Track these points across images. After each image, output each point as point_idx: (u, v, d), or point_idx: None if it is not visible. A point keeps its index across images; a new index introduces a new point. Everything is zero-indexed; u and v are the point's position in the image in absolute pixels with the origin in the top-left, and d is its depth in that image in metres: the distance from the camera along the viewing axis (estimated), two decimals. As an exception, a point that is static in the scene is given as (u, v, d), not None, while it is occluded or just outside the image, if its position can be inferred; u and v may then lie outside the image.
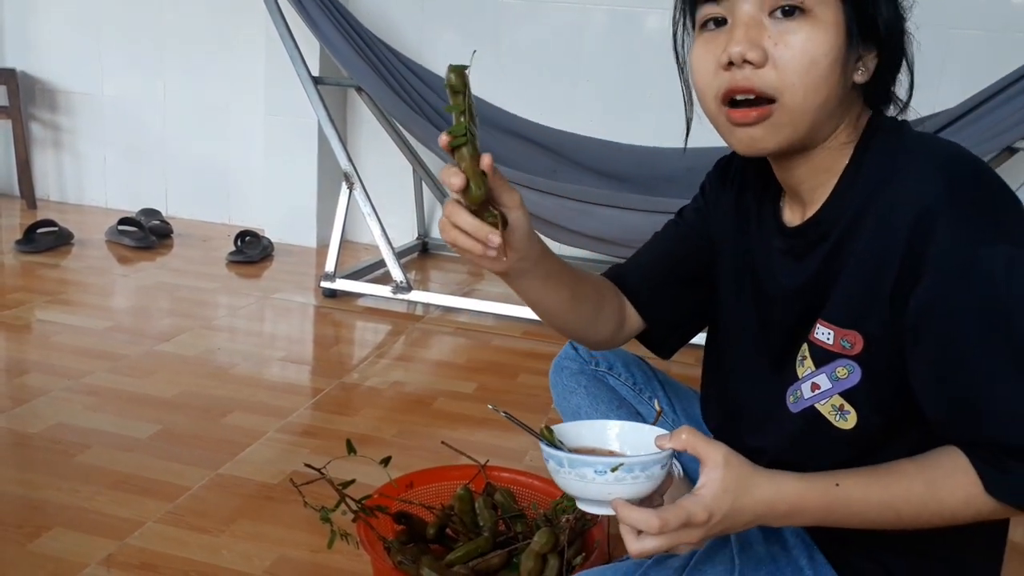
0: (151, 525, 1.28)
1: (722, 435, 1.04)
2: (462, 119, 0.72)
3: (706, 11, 0.79)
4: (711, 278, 1.01)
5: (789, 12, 0.74)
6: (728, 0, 0.77)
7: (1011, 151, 2.28)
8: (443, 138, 0.74)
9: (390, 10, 3.19)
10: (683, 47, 0.85)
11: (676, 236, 1.05)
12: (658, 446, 0.75)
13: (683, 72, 0.86)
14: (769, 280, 0.91)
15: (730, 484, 0.72)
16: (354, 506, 1.06)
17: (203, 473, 1.45)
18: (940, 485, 0.74)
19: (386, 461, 1.11)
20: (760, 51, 0.74)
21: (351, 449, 1.08)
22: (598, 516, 1.05)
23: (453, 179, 0.74)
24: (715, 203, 1.02)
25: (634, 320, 1.04)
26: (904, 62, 0.81)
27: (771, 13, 0.75)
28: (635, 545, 0.71)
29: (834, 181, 0.83)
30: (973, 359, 0.72)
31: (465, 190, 0.73)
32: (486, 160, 0.74)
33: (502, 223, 0.76)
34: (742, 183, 0.97)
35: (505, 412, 0.83)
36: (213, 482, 1.43)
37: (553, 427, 0.81)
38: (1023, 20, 2.66)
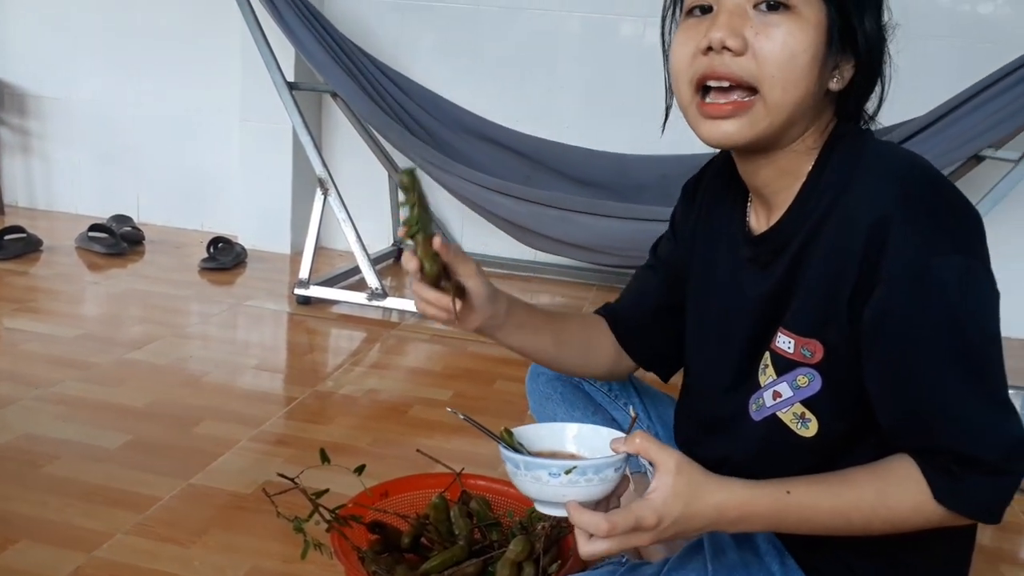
0: (121, 537, 1.26)
1: (691, 443, 1.04)
2: (414, 211, 0.83)
3: None
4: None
5: (774, 6, 0.75)
6: None
7: (978, 159, 2.32)
8: (401, 229, 0.85)
9: (366, 16, 3.18)
10: (670, 34, 0.86)
11: (653, 276, 1.08)
12: (613, 450, 0.76)
13: (667, 60, 0.86)
14: (735, 290, 0.92)
15: (681, 490, 0.73)
16: (328, 516, 1.06)
17: (174, 483, 1.43)
18: (890, 493, 0.75)
19: (360, 470, 1.10)
20: (741, 39, 0.75)
21: (325, 458, 1.07)
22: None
23: (409, 264, 0.85)
24: (684, 229, 1.04)
25: (628, 357, 1.09)
26: (880, 80, 0.83)
27: (756, 5, 0.76)
28: (586, 547, 0.73)
29: (798, 186, 0.84)
30: (925, 369, 0.73)
31: (421, 269, 0.85)
32: (436, 242, 0.83)
33: (457, 292, 0.86)
34: (712, 199, 0.98)
35: (464, 415, 0.87)
36: (185, 492, 1.41)
37: (513, 430, 0.83)
38: (991, 30, 2.71)
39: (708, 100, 0.78)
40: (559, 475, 0.73)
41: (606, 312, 1.11)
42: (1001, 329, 0.76)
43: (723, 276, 0.94)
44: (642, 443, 0.74)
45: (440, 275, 0.86)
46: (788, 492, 0.76)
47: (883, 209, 0.73)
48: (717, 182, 0.98)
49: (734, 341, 0.91)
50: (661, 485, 0.73)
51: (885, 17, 0.80)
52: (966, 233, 0.74)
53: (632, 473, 0.82)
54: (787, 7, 0.75)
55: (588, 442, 0.83)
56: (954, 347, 0.72)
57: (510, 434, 0.82)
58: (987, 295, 0.73)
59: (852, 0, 0.76)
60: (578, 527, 0.73)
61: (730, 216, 0.94)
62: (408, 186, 0.83)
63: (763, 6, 0.75)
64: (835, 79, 0.79)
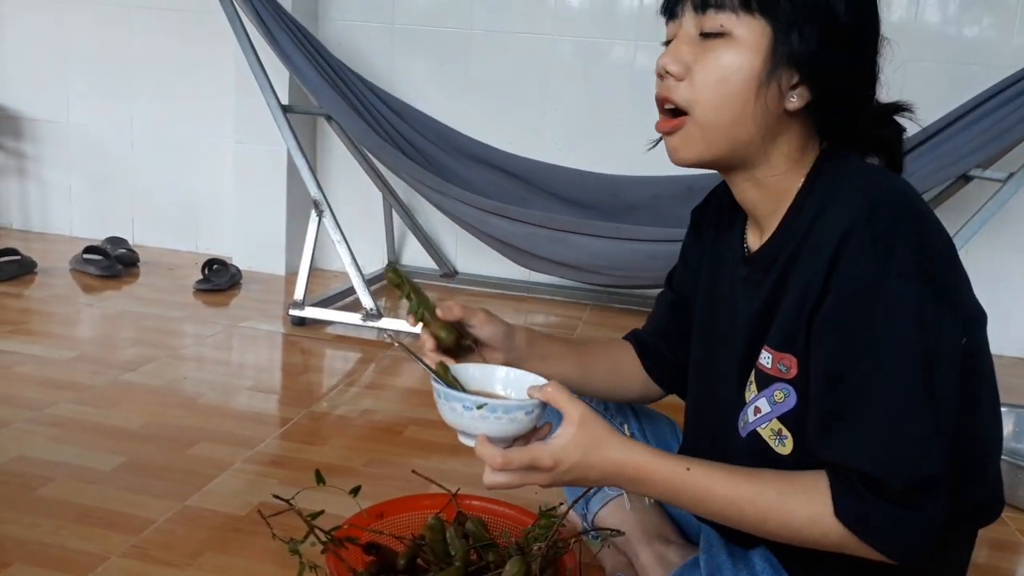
0: (115, 560, 1.26)
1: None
2: (412, 299, 0.94)
3: (668, 28, 0.86)
4: None
5: (710, 35, 0.80)
6: (676, 21, 0.84)
7: (966, 179, 2.35)
8: (410, 319, 0.96)
9: (360, 39, 3.21)
10: None
11: (667, 303, 1.14)
12: (528, 395, 0.83)
13: None
14: (732, 310, 0.94)
15: (581, 440, 0.79)
16: (323, 537, 1.06)
17: (169, 505, 1.43)
18: (791, 497, 0.76)
19: (356, 491, 1.10)
20: (681, 66, 0.81)
21: (320, 479, 1.07)
22: (570, 543, 1.07)
23: (427, 343, 0.95)
24: (693, 256, 1.08)
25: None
26: (863, 97, 0.84)
27: (700, 34, 0.81)
28: (486, 478, 0.81)
29: (785, 208, 0.86)
30: (854, 383, 0.74)
31: (439, 342, 0.95)
32: (440, 312, 0.95)
33: (474, 342, 0.99)
34: (718, 224, 1.01)
35: (399, 343, 1.02)
36: (179, 514, 1.40)
37: (451, 366, 0.92)
38: (976, 53, 2.75)
39: (659, 119, 0.86)
40: (472, 409, 0.81)
41: (632, 337, 1.17)
42: (958, 362, 0.75)
43: (723, 297, 0.97)
44: (552, 392, 0.81)
45: (456, 338, 0.96)
46: (688, 469, 0.79)
47: (848, 224, 0.75)
48: (721, 207, 1.01)
49: (731, 361, 0.93)
50: (563, 433, 0.79)
51: (858, 44, 0.81)
52: (927, 260, 0.74)
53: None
54: (724, 34, 0.79)
55: (514, 385, 0.91)
56: (888, 370, 0.73)
57: (446, 369, 0.90)
58: (937, 326, 0.73)
59: (788, 19, 0.78)
60: (480, 457, 0.80)
61: (732, 238, 0.97)
62: (396, 281, 0.94)
63: (706, 34, 0.81)
64: (791, 99, 0.81)
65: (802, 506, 0.75)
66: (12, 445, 1.61)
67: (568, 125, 3.13)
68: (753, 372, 0.87)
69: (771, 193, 0.86)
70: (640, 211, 2.68)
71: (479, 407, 0.80)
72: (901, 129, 0.89)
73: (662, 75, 0.83)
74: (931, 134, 2.28)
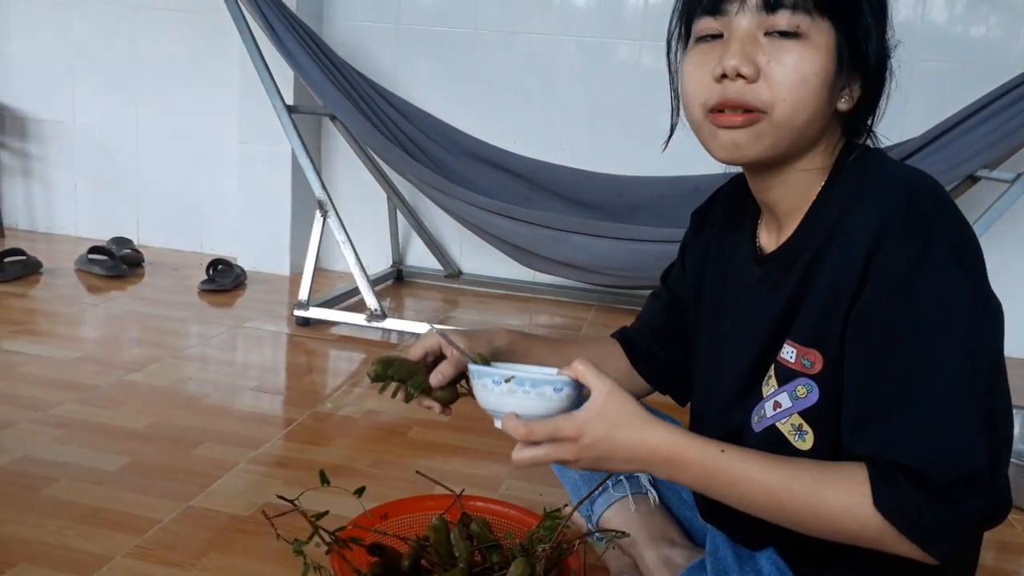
0: (119, 560, 1.26)
1: None
2: (407, 388, 1.01)
3: (703, 24, 0.82)
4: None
5: (785, 34, 0.78)
6: (725, 16, 0.80)
7: (973, 179, 2.34)
8: (428, 403, 1.04)
9: (365, 39, 3.21)
10: (677, 58, 0.89)
11: (662, 302, 1.14)
12: (559, 372, 0.82)
13: (673, 80, 0.90)
14: (746, 311, 0.93)
15: (608, 412, 0.76)
16: (328, 538, 1.05)
17: (173, 505, 1.43)
18: (828, 485, 0.73)
19: (360, 492, 1.10)
20: (754, 66, 0.78)
21: (324, 480, 1.07)
22: (575, 545, 1.07)
23: (435, 409, 1.06)
24: (692, 258, 1.07)
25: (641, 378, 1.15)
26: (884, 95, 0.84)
27: (767, 32, 0.78)
28: (514, 454, 0.79)
29: (808, 205, 0.85)
30: (895, 374, 0.73)
31: (444, 403, 1.04)
32: (434, 382, 1.01)
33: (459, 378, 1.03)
34: (723, 225, 1.00)
35: (441, 331, 1.02)
36: (184, 515, 1.40)
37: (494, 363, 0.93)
38: (983, 53, 2.74)
39: (722, 114, 0.81)
40: (500, 383, 0.80)
41: (620, 336, 1.17)
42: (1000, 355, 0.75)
43: (734, 298, 0.96)
44: (580, 367, 0.79)
45: (455, 390, 1.03)
46: (722, 451, 0.76)
47: (884, 222, 0.75)
48: (727, 208, 1.00)
49: (742, 360, 0.92)
50: (589, 405, 0.78)
51: (888, 35, 0.82)
52: (963, 253, 0.74)
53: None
54: (798, 34, 0.77)
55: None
56: (933, 360, 0.72)
57: (485, 360, 0.92)
58: (979, 319, 0.73)
59: (860, 25, 0.78)
60: (505, 432, 0.80)
61: (741, 239, 0.96)
62: (381, 374, 0.99)
63: (775, 33, 0.78)
64: (844, 99, 0.82)
65: (839, 495, 0.72)
66: (17, 445, 1.61)
67: (573, 125, 3.12)
68: (773, 367, 0.86)
69: (796, 191, 0.86)
70: (645, 212, 2.68)
71: (507, 380, 0.80)
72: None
73: (729, 76, 0.78)
74: (938, 134, 2.26)
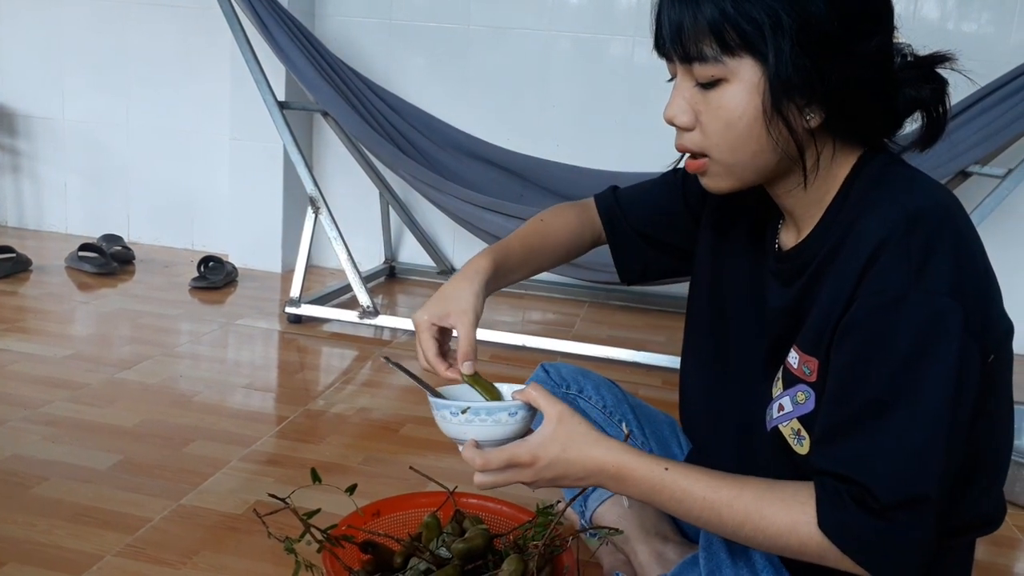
0: (110, 559, 1.25)
1: (705, 449, 1.05)
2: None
3: (668, 67, 0.85)
4: (683, 248, 1.11)
5: (707, 85, 0.79)
6: (672, 63, 0.83)
7: (964, 175, 2.34)
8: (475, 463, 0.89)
9: (357, 35, 3.19)
10: None
11: (669, 202, 1.13)
12: (512, 398, 0.87)
13: None
14: (757, 298, 0.94)
15: (559, 436, 0.81)
16: (319, 536, 1.05)
17: (164, 504, 1.42)
18: (770, 502, 0.75)
19: (352, 489, 1.09)
20: (689, 115, 0.82)
21: (316, 478, 1.06)
22: (568, 541, 1.07)
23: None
24: (715, 206, 1.06)
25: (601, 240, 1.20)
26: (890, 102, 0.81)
27: (696, 84, 0.81)
28: (475, 478, 0.85)
29: (823, 211, 0.85)
30: (862, 393, 0.73)
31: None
32: (466, 371, 0.96)
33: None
34: (752, 200, 0.98)
35: (396, 363, 1.02)
36: (175, 513, 1.39)
37: (447, 388, 0.96)
38: (974, 49, 2.74)
39: (686, 160, 0.87)
40: (457, 414, 0.85)
41: (604, 208, 1.17)
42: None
43: (745, 283, 0.97)
44: (532, 393, 0.84)
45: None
46: (666, 469, 0.79)
47: (884, 235, 0.73)
48: (749, 190, 0.98)
49: (755, 352, 0.93)
50: (541, 430, 0.82)
51: (869, 45, 0.78)
52: (961, 279, 0.72)
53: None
54: (718, 81, 0.78)
55: (506, 395, 0.94)
56: (904, 384, 0.71)
57: (477, 378, 0.95)
58: (962, 349, 0.71)
59: (781, 51, 0.74)
60: (465, 460, 0.84)
61: (762, 227, 0.97)
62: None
63: (700, 86, 0.80)
64: (810, 118, 0.79)
65: (781, 513, 0.74)
66: (7, 444, 1.60)
67: (566, 121, 3.12)
68: (781, 369, 0.86)
69: (810, 199, 0.86)
70: (638, 208, 2.67)
71: (463, 411, 0.85)
72: (943, 83, 0.85)
73: (673, 126, 0.84)
74: (929, 130, 2.27)
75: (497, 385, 0.96)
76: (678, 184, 1.12)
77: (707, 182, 0.86)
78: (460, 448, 0.87)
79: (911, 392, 0.71)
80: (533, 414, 0.86)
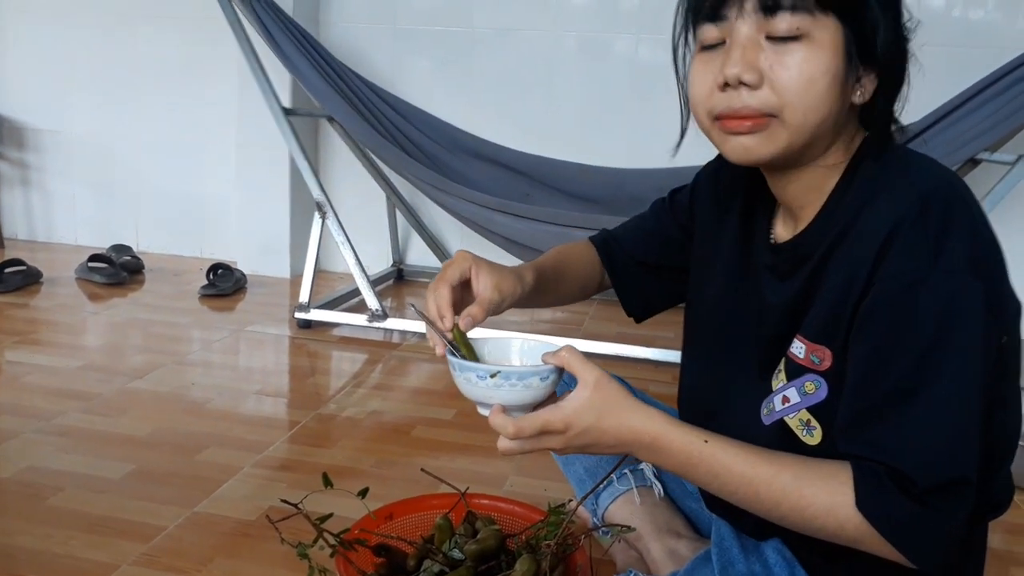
0: (126, 568, 1.25)
1: None
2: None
3: (705, 32, 0.80)
4: (683, 268, 1.08)
5: (787, 38, 0.75)
6: (726, 21, 0.78)
7: (974, 162, 2.32)
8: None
9: (361, 41, 3.20)
10: (683, 61, 0.87)
11: (660, 225, 1.12)
12: (543, 361, 0.82)
13: (682, 86, 0.88)
14: (751, 295, 0.92)
15: (596, 403, 0.77)
16: (332, 540, 1.05)
17: (179, 512, 1.42)
18: (810, 482, 0.73)
19: (364, 493, 1.09)
20: (756, 73, 0.76)
21: (328, 482, 1.06)
22: (580, 540, 1.06)
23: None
24: (704, 210, 1.05)
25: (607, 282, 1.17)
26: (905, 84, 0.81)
27: (768, 36, 0.76)
28: (500, 444, 0.81)
29: (823, 200, 0.84)
30: (892, 376, 0.72)
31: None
32: (464, 325, 0.89)
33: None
34: (742, 194, 0.98)
35: (419, 311, 0.94)
36: (189, 521, 1.40)
37: (470, 338, 0.90)
38: (982, 35, 2.73)
39: (732, 122, 0.79)
40: (485, 378, 0.80)
41: (600, 243, 1.16)
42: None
43: (738, 280, 0.95)
44: (567, 356, 0.80)
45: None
46: (706, 441, 0.77)
47: (898, 217, 0.73)
48: (744, 180, 0.98)
49: (751, 347, 0.91)
50: (577, 396, 0.78)
51: (904, 17, 0.79)
52: (978, 256, 0.71)
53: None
54: (800, 36, 0.75)
55: (529, 354, 0.91)
56: (933, 366, 0.70)
57: (462, 335, 0.89)
58: (984, 327, 0.70)
59: (867, 18, 0.75)
60: (492, 426, 0.80)
61: (753, 218, 0.95)
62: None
63: (777, 37, 0.76)
64: (858, 93, 0.79)
65: (820, 493, 0.72)
66: (21, 456, 1.61)
67: (572, 120, 3.11)
68: (783, 361, 0.85)
69: (812, 186, 0.84)
70: (646, 204, 2.65)
71: (492, 376, 0.80)
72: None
73: (731, 84, 0.77)
74: (937, 118, 2.25)
75: (521, 339, 0.93)
76: (665, 208, 1.12)
77: (753, 143, 0.78)
78: (481, 410, 0.83)
79: (939, 375, 0.70)
80: (560, 377, 0.83)
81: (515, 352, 0.93)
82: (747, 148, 0.80)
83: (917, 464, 0.69)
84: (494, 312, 0.94)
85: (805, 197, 0.85)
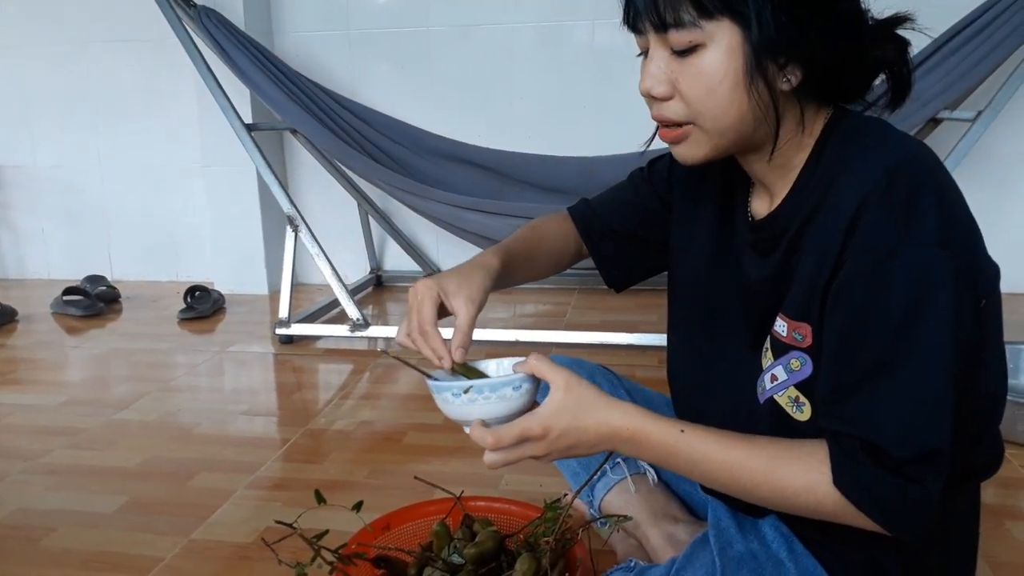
0: (126, 602, 1.25)
1: (694, 419, 1.05)
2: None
3: (637, 40, 0.83)
4: (662, 239, 1.09)
5: (683, 52, 0.78)
6: (643, 35, 0.81)
7: (935, 122, 2.35)
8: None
9: (317, 49, 3.18)
10: None
11: (638, 196, 1.12)
12: (513, 371, 0.84)
13: None
14: (735, 271, 0.93)
15: (568, 404, 0.79)
16: (330, 557, 1.04)
17: (175, 541, 1.42)
18: (785, 463, 0.75)
19: (358, 506, 1.09)
20: (665, 86, 0.80)
21: (320, 499, 1.06)
22: (578, 533, 1.07)
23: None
24: (682, 183, 1.05)
25: (585, 252, 1.17)
26: (864, 59, 0.81)
27: (672, 52, 0.79)
28: (485, 458, 0.82)
29: (795, 176, 0.84)
30: (865, 350, 0.73)
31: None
32: (457, 357, 0.90)
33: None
34: (719, 171, 0.98)
35: (395, 356, 0.98)
36: (186, 549, 1.39)
37: (437, 371, 0.92)
38: (932, -5, 2.74)
39: (661, 130, 0.85)
40: (459, 395, 0.81)
41: (579, 216, 1.16)
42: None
43: (722, 257, 0.96)
44: (535, 364, 0.82)
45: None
46: (682, 431, 0.78)
47: (865, 192, 0.73)
48: (715, 162, 0.98)
49: (740, 324, 0.92)
50: (550, 400, 0.80)
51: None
52: (946, 227, 0.72)
53: None
54: (695, 47, 0.77)
55: (504, 369, 0.92)
56: (906, 340, 0.71)
57: (464, 365, 0.91)
58: (956, 299, 0.71)
59: (758, 10, 0.75)
60: (474, 441, 0.81)
61: (732, 196, 0.96)
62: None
63: (676, 54, 0.79)
64: (785, 80, 0.79)
65: (797, 472, 0.74)
66: (10, 498, 1.59)
67: (536, 112, 3.11)
68: (768, 339, 0.86)
69: (778, 164, 0.85)
70: (616, 191, 2.67)
71: (465, 391, 0.81)
72: (905, 43, 0.84)
73: (646, 97, 0.82)
74: (896, 82, 2.27)
75: (495, 361, 0.94)
76: (644, 178, 1.12)
77: (683, 151, 0.84)
78: (466, 429, 0.84)
79: (912, 347, 0.71)
80: (537, 385, 0.84)
81: (491, 371, 0.94)
82: (681, 155, 0.85)
83: (891, 437, 0.70)
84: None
85: (775, 173, 0.86)
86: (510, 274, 1.04)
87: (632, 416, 0.79)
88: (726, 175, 0.96)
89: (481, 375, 0.92)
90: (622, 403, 0.80)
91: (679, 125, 0.82)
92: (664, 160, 1.10)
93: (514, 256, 1.05)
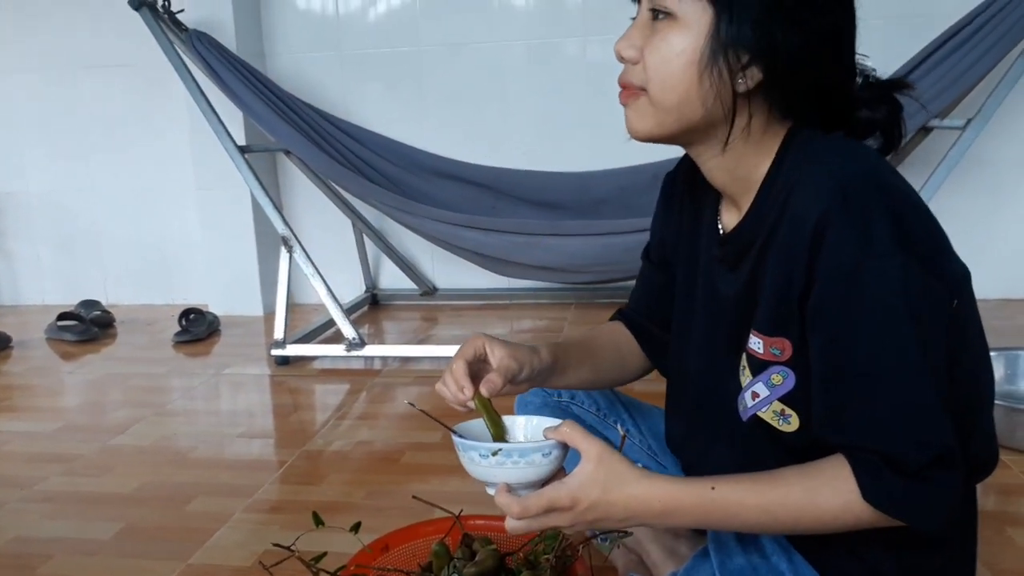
0: (124, 630, 1.23)
1: (685, 447, 1.05)
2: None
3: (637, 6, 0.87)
4: None
5: (658, 15, 0.81)
6: (639, 4, 0.85)
7: (926, 130, 2.37)
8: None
9: (309, 70, 3.19)
10: None
11: (650, 283, 1.13)
12: (544, 436, 0.81)
13: None
14: (710, 288, 0.93)
15: (599, 477, 0.77)
16: (330, 579, 1.04)
17: (173, 566, 1.40)
18: (819, 491, 0.75)
19: (356, 527, 1.09)
20: (635, 50, 0.83)
21: (318, 521, 1.05)
22: (579, 550, 1.06)
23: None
24: (666, 226, 1.06)
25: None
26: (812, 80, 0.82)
27: (651, 12, 0.82)
28: (507, 524, 0.80)
29: (756, 189, 0.85)
30: (855, 368, 0.74)
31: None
32: (485, 392, 0.91)
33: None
34: (691, 196, 1.00)
35: (421, 409, 0.97)
36: (184, 574, 1.38)
37: (466, 424, 0.91)
38: (920, 5, 2.77)
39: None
40: (487, 456, 0.80)
41: (623, 318, 1.16)
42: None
43: (701, 274, 0.96)
44: (568, 432, 0.79)
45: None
46: (712, 488, 0.77)
47: (823, 209, 0.74)
48: (690, 180, 0.99)
49: (716, 340, 0.93)
50: (580, 471, 0.78)
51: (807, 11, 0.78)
52: (904, 233, 0.73)
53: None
54: (669, 15, 0.80)
55: (533, 431, 0.90)
56: (886, 350, 0.72)
57: (487, 401, 0.90)
58: (926, 296, 0.73)
59: (738, 4, 0.77)
60: (498, 506, 0.80)
61: (705, 214, 0.97)
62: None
63: (654, 15, 0.82)
64: (740, 81, 0.80)
65: (831, 497, 0.74)
66: (7, 527, 1.58)
67: (529, 128, 3.13)
68: (744, 357, 0.86)
69: (736, 175, 0.86)
70: (609, 205, 2.68)
71: (494, 453, 0.79)
72: (899, 107, 0.86)
73: (619, 60, 0.85)
74: (885, 91, 2.29)
75: (525, 418, 0.92)
76: (647, 261, 1.13)
77: (630, 116, 0.86)
78: (488, 490, 0.83)
79: (895, 355, 0.72)
80: (566, 452, 0.82)
81: (519, 430, 0.91)
82: (628, 120, 0.86)
83: (900, 446, 0.71)
84: (513, 382, 0.94)
85: (736, 185, 0.87)
86: (564, 368, 1.02)
87: (662, 487, 0.78)
88: (699, 190, 0.97)
89: (499, 421, 0.90)
90: (653, 475, 0.78)
91: (633, 90, 0.84)
92: (649, 241, 1.11)
93: (566, 352, 1.04)
